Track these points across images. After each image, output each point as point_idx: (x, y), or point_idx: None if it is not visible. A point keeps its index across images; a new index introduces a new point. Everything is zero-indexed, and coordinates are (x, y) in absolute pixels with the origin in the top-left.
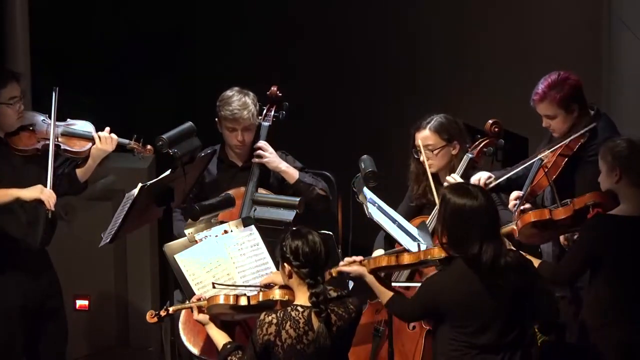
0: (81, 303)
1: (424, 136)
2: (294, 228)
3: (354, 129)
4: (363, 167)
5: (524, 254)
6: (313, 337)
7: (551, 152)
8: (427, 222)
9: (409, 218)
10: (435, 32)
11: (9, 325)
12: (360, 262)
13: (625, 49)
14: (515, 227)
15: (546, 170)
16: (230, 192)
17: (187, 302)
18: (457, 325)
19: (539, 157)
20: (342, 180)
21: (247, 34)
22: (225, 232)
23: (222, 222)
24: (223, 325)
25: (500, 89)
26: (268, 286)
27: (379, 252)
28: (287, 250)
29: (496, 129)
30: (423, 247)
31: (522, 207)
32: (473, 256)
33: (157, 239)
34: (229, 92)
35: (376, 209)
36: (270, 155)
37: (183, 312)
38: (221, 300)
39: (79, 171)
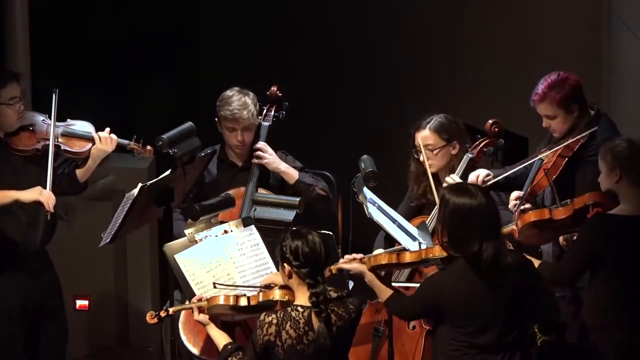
0: (81, 303)
1: (424, 136)
2: (293, 228)
3: (354, 129)
4: (363, 167)
5: (524, 254)
6: (313, 337)
7: (551, 152)
8: (427, 222)
9: (409, 218)
10: (435, 32)
11: (9, 325)
12: (361, 260)
13: (625, 49)
14: (515, 227)
15: (546, 170)
16: (230, 192)
17: (187, 302)
18: (457, 325)
19: (539, 157)
20: (342, 180)
21: (247, 34)
22: (225, 232)
23: (222, 222)
24: (223, 326)
25: (500, 89)
26: (268, 287)
27: (378, 251)
28: (287, 250)
29: (496, 129)
30: (424, 247)
31: (522, 207)
32: (473, 255)
33: (157, 239)
34: (228, 92)
35: (376, 209)
36: (269, 156)
37: (183, 312)
38: (221, 301)
39: (78, 171)
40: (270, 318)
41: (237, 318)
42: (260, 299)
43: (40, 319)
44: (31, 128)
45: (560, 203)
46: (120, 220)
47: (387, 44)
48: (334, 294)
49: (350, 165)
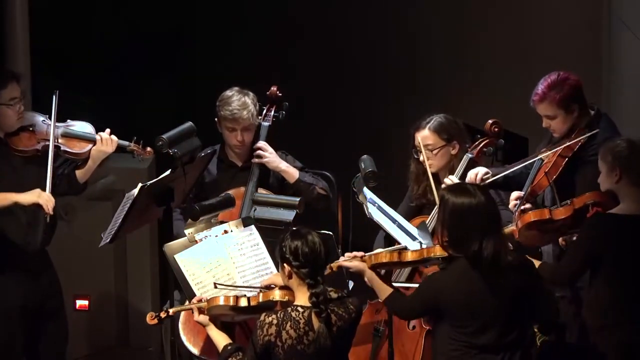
0: (81, 303)
1: (424, 136)
2: (293, 228)
3: (354, 129)
4: (363, 167)
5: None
6: (313, 338)
7: (552, 152)
8: (427, 222)
9: (409, 218)
10: (435, 32)
11: (9, 325)
12: (361, 258)
13: (625, 49)
14: (515, 228)
15: (546, 170)
16: (230, 192)
17: (187, 302)
18: (457, 324)
19: (539, 157)
20: (342, 180)
21: (247, 34)
22: (225, 232)
23: (222, 222)
24: (223, 327)
25: (500, 89)
26: (268, 287)
27: (379, 250)
28: (287, 250)
29: (496, 129)
30: (424, 246)
31: (522, 207)
32: (474, 254)
33: (157, 239)
34: (228, 92)
35: (376, 209)
36: (270, 155)
37: (183, 312)
38: (221, 302)
39: (78, 172)
40: (270, 318)
41: (237, 319)
42: (261, 300)
43: (40, 319)
44: (31, 128)
45: (561, 203)
46: (120, 220)
47: (387, 44)
48: (334, 295)
49: (350, 165)
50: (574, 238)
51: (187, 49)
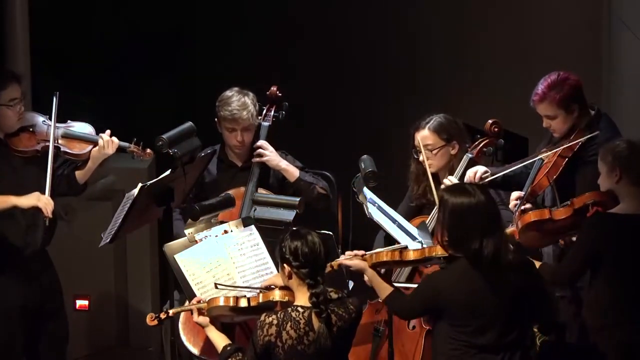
0: (81, 303)
1: (423, 136)
2: (293, 228)
3: (354, 129)
4: (363, 167)
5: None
6: (314, 338)
7: (552, 152)
8: (427, 222)
9: (409, 218)
10: (435, 32)
11: (9, 325)
12: (362, 257)
13: (625, 49)
14: (516, 229)
15: (546, 170)
16: (230, 192)
17: (187, 302)
18: (457, 324)
19: (539, 157)
20: (342, 180)
21: (247, 34)
22: (225, 232)
23: (222, 222)
24: (223, 327)
25: (500, 89)
26: (269, 288)
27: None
28: (287, 251)
29: (496, 129)
30: (425, 246)
31: (522, 207)
32: (475, 252)
33: (157, 239)
34: (228, 92)
35: (376, 209)
36: (270, 154)
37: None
38: (221, 302)
39: (78, 173)
40: (270, 319)
41: (237, 319)
42: (261, 300)
43: (40, 319)
44: (31, 129)
45: (561, 204)
46: (120, 220)
47: (387, 44)
48: (334, 295)
49: (350, 165)
50: (574, 239)
51: (187, 49)
